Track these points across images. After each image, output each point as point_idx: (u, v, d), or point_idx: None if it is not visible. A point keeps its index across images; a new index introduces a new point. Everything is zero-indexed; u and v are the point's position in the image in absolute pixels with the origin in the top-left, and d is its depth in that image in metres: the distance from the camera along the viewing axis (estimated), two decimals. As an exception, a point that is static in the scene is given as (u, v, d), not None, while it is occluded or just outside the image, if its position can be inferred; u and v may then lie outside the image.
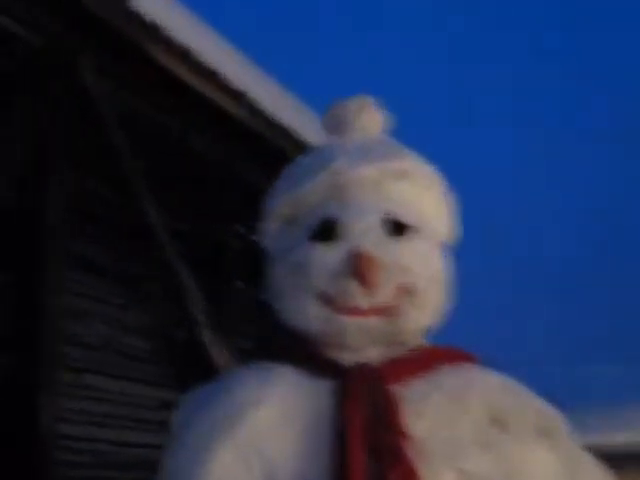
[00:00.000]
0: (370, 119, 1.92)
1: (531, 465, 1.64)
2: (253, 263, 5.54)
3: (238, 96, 5.69)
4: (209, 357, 5.60)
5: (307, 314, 1.73)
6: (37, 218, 4.61)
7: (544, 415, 1.71)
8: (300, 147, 5.71)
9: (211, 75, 5.45)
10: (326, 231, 1.73)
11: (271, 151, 5.82)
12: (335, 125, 1.93)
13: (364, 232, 1.72)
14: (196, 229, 6.09)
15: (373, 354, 1.71)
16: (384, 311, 1.70)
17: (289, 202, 1.84)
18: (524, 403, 1.71)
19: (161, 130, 5.82)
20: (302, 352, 1.76)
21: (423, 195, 1.83)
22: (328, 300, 1.70)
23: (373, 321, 1.70)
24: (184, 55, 5.22)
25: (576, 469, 1.68)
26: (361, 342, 1.71)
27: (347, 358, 1.70)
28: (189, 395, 1.83)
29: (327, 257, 1.71)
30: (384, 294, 1.69)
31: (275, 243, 1.86)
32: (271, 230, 1.88)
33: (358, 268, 1.66)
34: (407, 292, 1.71)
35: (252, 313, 6.01)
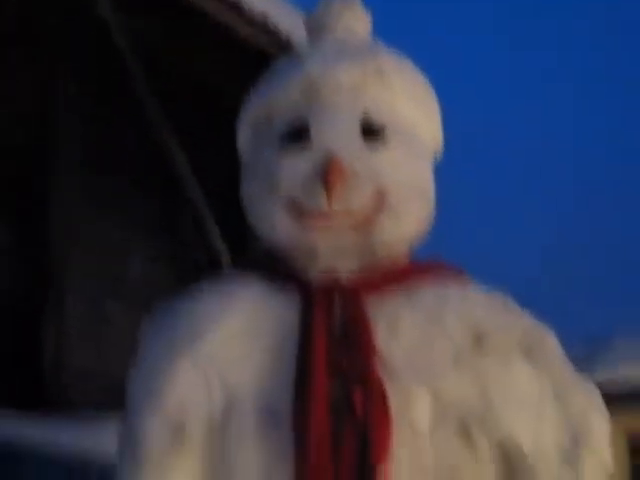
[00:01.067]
0: (353, 19, 1.78)
1: (512, 387, 1.51)
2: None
3: (260, 24, 5.54)
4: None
5: (276, 225, 1.61)
6: (50, 152, 4.56)
7: (531, 333, 1.58)
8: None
9: (232, 3, 5.30)
10: (297, 136, 1.61)
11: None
12: (317, 27, 1.80)
13: (337, 137, 1.59)
14: (213, 162, 5.99)
15: (346, 269, 1.59)
16: (357, 222, 1.58)
17: (262, 108, 1.72)
18: (509, 320, 1.58)
19: (179, 61, 5.70)
20: (271, 265, 1.65)
21: (403, 96, 1.68)
22: (297, 210, 1.58)
23: (345, 234, 1.58)
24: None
25: (563, 392, 1.55)
26: (333, 256, 1.59)
27: (318, 273, 1.58)
28: (157, 309, 1.74)
29: (297, 163, 1.59)
30: (357, 204, 1.57)
31: (248, 151, 1.75)
32: (245, 137, 1.77)
33: (328, 175, 1.54)
34: (383, 202, 1.58)
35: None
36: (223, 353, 1.53)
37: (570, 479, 1.49)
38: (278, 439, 1.46)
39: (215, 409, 1.51)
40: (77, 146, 4.74)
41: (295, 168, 1.58)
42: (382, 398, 1.45)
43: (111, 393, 4.81)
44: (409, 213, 1.61)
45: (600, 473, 1.53)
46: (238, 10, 5.34)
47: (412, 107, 1.68)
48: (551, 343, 1.58)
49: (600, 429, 1.55)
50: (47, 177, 4.52)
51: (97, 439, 3.71)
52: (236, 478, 1.49)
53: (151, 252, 5.46)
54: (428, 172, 1.67)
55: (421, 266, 1.66)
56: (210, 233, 5.50)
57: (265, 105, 1.70)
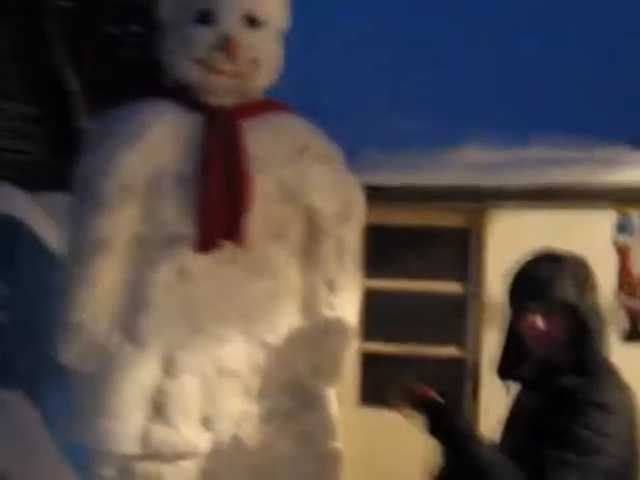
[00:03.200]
0: None
1: (317, 177, 2.76)
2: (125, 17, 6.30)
3: None
4: (64, 82, 6.50)
5: (189, 73, 2.71)
6: None
7: (327, 148, 2.84)
8: None
9: None
10: (205, 18, 2.70)
11: None
12: None
13: (231, 22, 2.70)
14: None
15: (230, 101, 2.73)
16: (239, 75, 2.72)
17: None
18: (317, 140, 2.82)
19: None
20: (183, 95, 2.75)
21: (274, 2, 2.80)
22: (204, 65, 2.70)
23: (231, 82, 2.72)
24: None
25: (342, 182, 2.82)
26: (222, 94, 2.73)
27: (213, 102, 2.72)
28: (102, 117, 2.81)
29: (205, 36, 2.69)
30: (240, 64, 2.70)
31: (169, 21, 2.79)
32: (166, 9, 2.80)
33: (226, 47, 2.66)
34: (255, 64, 2.73)
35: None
36: (154, 146, 2.64)
37: (342, 227, 2.77)
38: (186, 193, 2.61)
39: (149, 176, 2.63)
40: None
41: (204, 39, 2.68)
42: (248, 173, 2.63)
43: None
44: (268, 72, 2.79)
45: (358, 228, 2.84)
46: None
47: (277, 7, 2.80)
48: (338, 155, 2.84)
49: (359, 204, 2.83)
50: None
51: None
52: (160, 214, 2.63)
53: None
54: (280, 48, 2.83)
55: (270, 102, 2.85)
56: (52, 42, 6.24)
57: None
